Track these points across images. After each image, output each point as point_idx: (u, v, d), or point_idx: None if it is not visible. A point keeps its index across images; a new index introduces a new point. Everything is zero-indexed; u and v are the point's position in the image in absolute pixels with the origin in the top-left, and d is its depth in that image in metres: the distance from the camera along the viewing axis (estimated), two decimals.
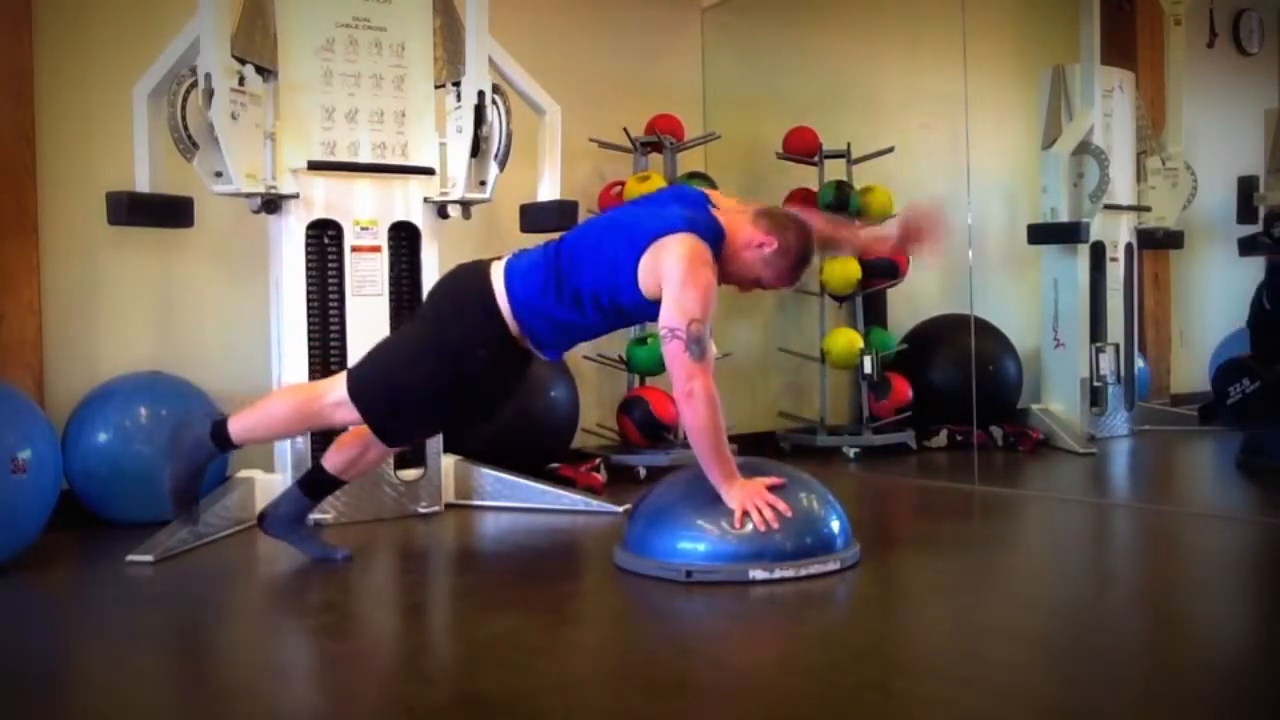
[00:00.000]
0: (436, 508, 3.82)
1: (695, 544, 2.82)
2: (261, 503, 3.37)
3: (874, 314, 5.25)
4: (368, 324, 3.66)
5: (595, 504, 3.84)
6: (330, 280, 3.69)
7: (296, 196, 3.61)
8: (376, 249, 3.73)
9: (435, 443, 3.81)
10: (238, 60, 3.45)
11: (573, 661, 2.38)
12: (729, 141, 5.01)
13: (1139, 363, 5.36)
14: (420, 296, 3.74)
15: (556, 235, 3.04)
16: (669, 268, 2.76)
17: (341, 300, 3.69)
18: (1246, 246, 4.77)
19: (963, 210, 4.98)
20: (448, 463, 3.89)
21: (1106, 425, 5.17)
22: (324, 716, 2.13)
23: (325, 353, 3.67)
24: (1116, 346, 5.14)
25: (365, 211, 3.71)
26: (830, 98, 5.51)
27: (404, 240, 3.81)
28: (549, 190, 4.00)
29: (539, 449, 4.28)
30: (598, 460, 4.39)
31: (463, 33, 3.78)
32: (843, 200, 4.96)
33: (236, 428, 2.98)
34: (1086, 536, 3.69)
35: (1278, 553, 3.31)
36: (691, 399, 2.77)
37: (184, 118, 3.42)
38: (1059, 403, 5.18)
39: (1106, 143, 5.09)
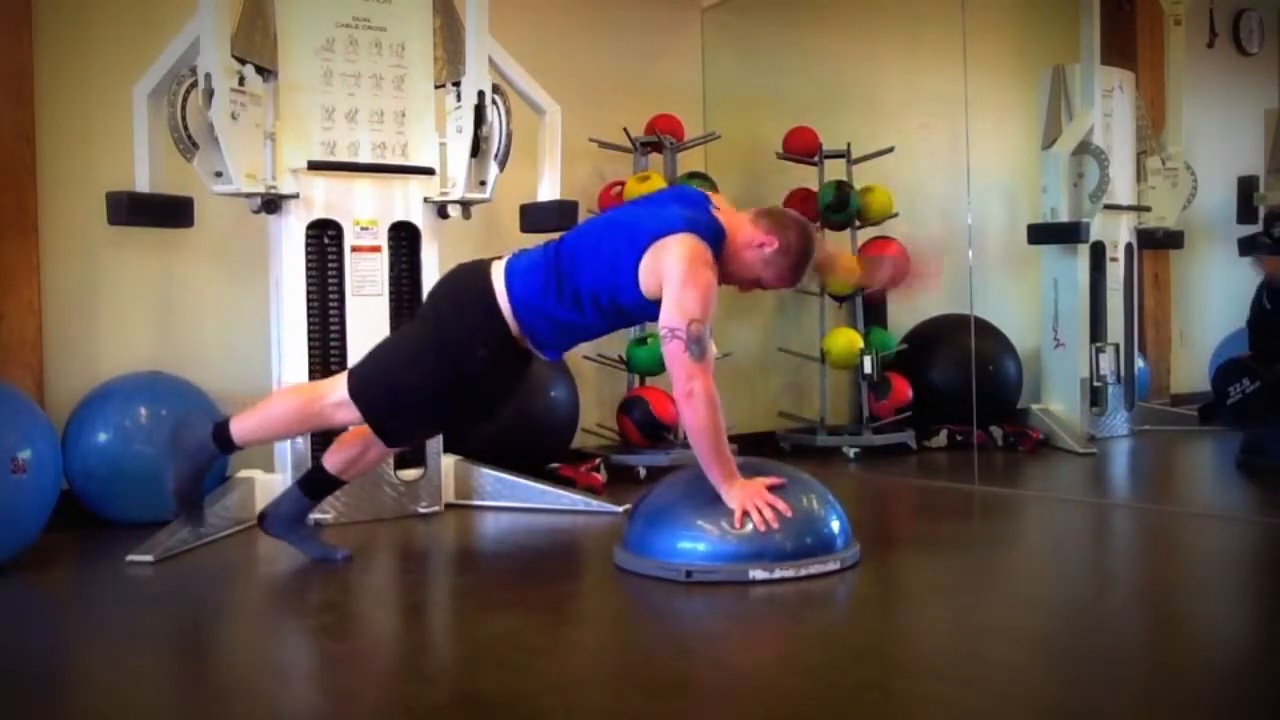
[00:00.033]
0: (436, 508, 3.82)
1: (695, 544, 2.82)
2: (261, 503, 3.37)
3: (874, 314, 5.25)
4: (368, 324, 3.66)
5: (595, 504, 3.84)
6: (330, 280, 3.69)
7: (296, 196, 3.61)
8: (376, 249, 3.73)
9: (435, 443, 3.81)
10: (238, 60, 3.45)
11: (573, 661, 2.38)
12: (729, 141, 5.01)
13: (1139, 363, 5.36)
14: (420, 297, 3.74)
15: (556, 235, 3.04)
16: (669, 268, 2.76)
17: (341, 300, 3.69)
18: (1246, 246, 4.77)
19: (963, 210, 4.99)
20: (448, 463, 3.89)
21: (1106, 425, 5.17)
22: (324, 716, 2.13)
23: (325, 353, 3.67)
24: (1116, 346, 5.14)
25: (365, 211, 3.71)
26: (830, 98, 5.51)
27: (404, 240, 3.81)
28: (549, 190, 4.00)
29: (539, 449, 4.28)
30: (598, 460, 4.39)
31: (463, 33, 3.78)
32: (843, 200, 4.96)
33: (238, 429, 2.99)
34: (1086, 536, 3.69)
35: (1278, 553, 3.31)
36: (691, 399, 2.77)
37: (184, 118, 3.42)
38: (1059, 403, 5.18)
39: (1106, 143, 5.09)
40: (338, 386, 2.96)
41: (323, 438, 3.45)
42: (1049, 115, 5.25)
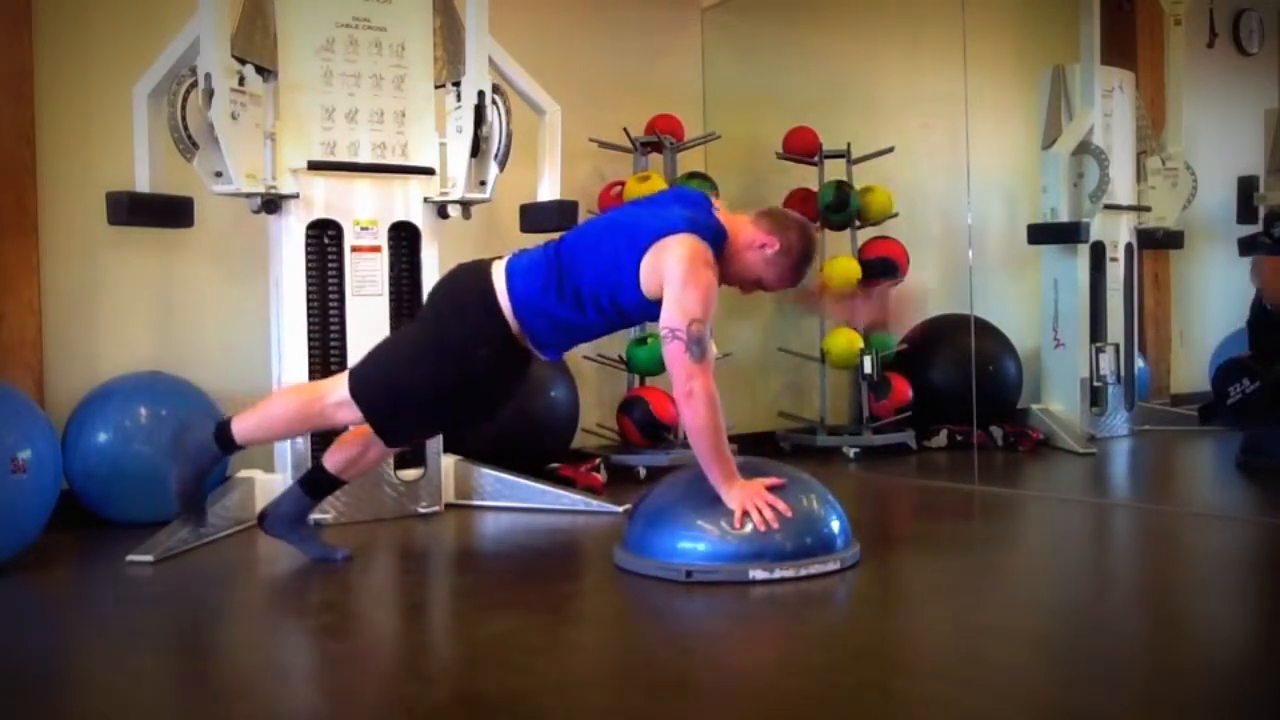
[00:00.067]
0: (436, 508, 3.82)
1: (695, 544, 2.82)
2: (261, 503, 3.37)
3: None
4: (368, 324, 3.66)
5: (595, 504, 3.84)
6: (330, 280, 3.69)
7: (296, 196, 3.61)
8: (376, 249, 3.73)
9: (435, 443, 3.81)
10: (238, 60, 3.45)
11: (573, 661, 2.38)
12: (729, 141, 5.01)
13: (1139, 363, 5.36)
14: (420, 297, 3.74)
15: (557, 235, 3.04)
16: (670, 268, 2.76)
17: (341, 300, 3.69)
18: (1246, 246, 4.77)
19: (963, 210, 4.99)
20: (448, 463, 3.89)
21: (1106, 425, 5.17)
22: (324, 716, 2.13)
23: (325, 353, 3.67)
24: (1116, 346, 5.14)
25: (365, 211, 3.71)
26: (830, 98, 5.51)
27: (404, 240, 3.81)
28: (549, 190, 4.00)
29: (539, 449, 4.28)
30: (598, 460, 4.39)
31: (463, 33, 3.78)
32: (843, 200, 4.96)
33: (239, 429, 2.99)
34: (1086, 536, 3.69)
35: (1278, 553, 3.31)
36: (691, 399, 2.78)
37: (184, 118, 3.42)
38: (1059, 403, 5.18)
39: (1106, 143, 5.09)
40: (338, 386, 2.96)
41: (323, 438, 3.45)
42: (1049, 115, 5.25)
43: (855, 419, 5.22)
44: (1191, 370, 5.30)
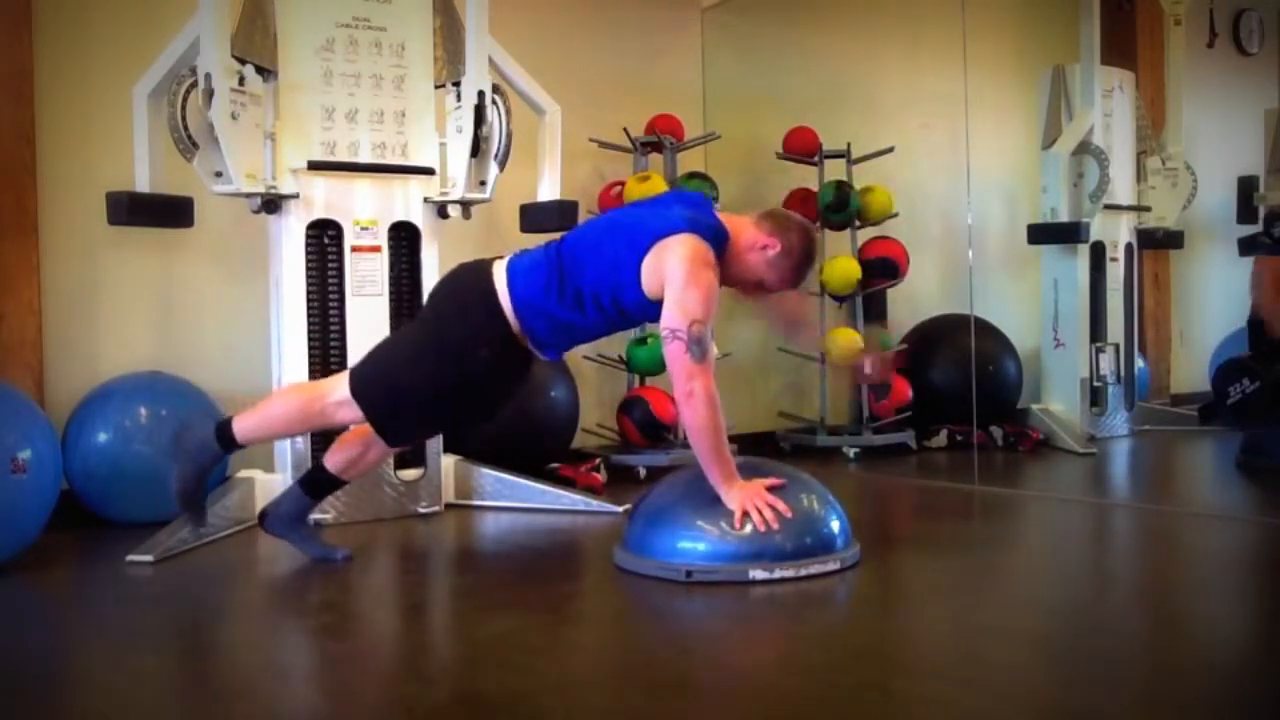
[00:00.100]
0: (436, 508, 3.82)
1: (695, 544, 2.82)
2: (261, 502, 3.37)
3: (874, 314, 5.24)
4: (368, 324, 3.66)
5: (595, 504, 3.84)
6: (330, 280, 3.69)
7: (296, 196, 3.61)
8: (376, 249, 3.73)
9: (435, 443, 3.81)
10: (238, 60, 3.45)
11: (573, 661, 2.38)
12: (729, 141, 5.01)
13: (1139, 363, 5.36)
14: (420, 297, 3.74)
15: (557, 235, 3.04)
16: (671, 268, 2.76)
17: (341, 300, 3.69)
18: (1246, 246, 4.77)
19: (963, 210, 4.99)
20: (448, 463, 3.89)
21: (1106, 425, 5.17)
22: (324, 716, 2.13)
23: (325, 353, 3.67)
24: (1116, 346, 5.14)
25: (365, 211, 3.71)
26: (830, 98, 5.51)
27: (404, 240, 3.81)
28: (549, 190, 4.00)
29: (539, 449, 4.28)
30: (598, 460, 4.39)
31: (463, 33, 3.78)
32: (843, 200, 4.96)
33: (240, 428, 2.99)
34: (1086, 536, 3.69)
35: (1278, 553, 3.31)
36: (692, 399, 2.78)
37: (184, 118, 3.42)
38: (1059, 403, 5.18)
39: (1106, 143, 5.09)
40: (339, 385, 2.96)
41: (323, 437, 3.45)
42: (1049, 115, 5.25)
43: (855, 419, 5.22)
44: (1191, 370, 5.30)
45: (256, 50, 3.53)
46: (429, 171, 3.81)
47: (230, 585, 3.09)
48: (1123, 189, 5.19)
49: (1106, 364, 5.08)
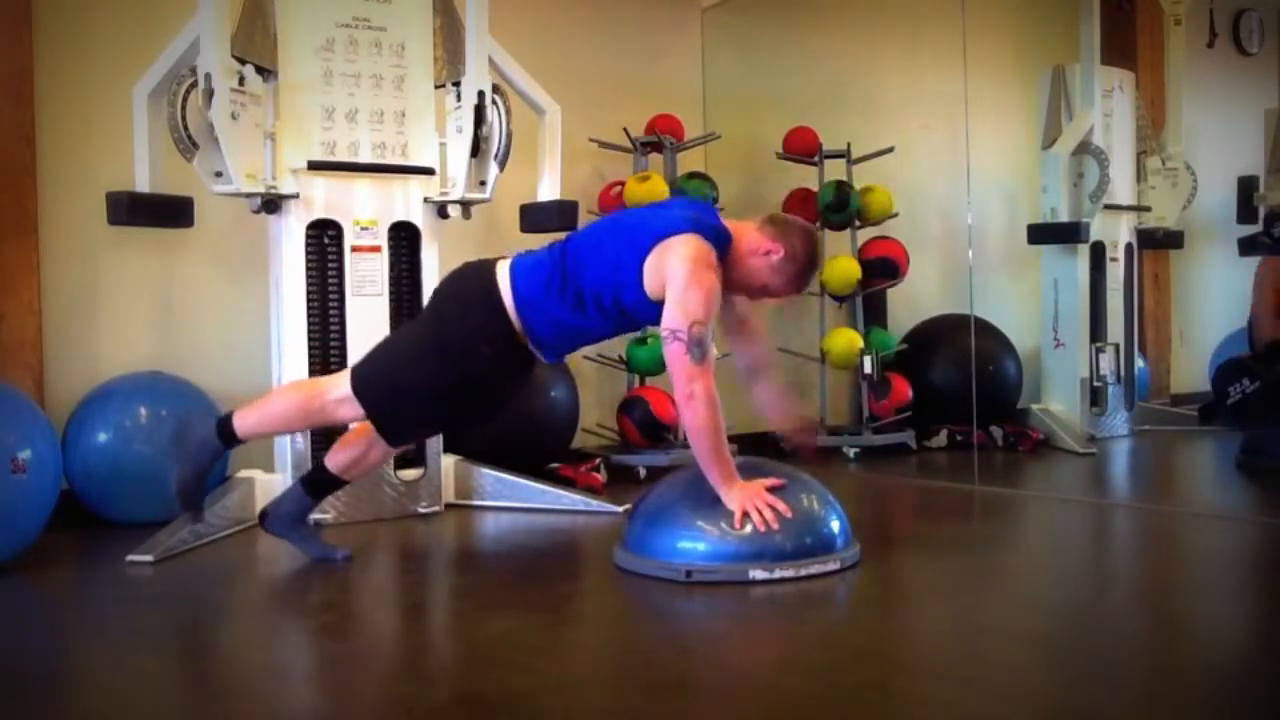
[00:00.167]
0: (436, 508, 3.82)
1: (695, 544, 2.82)
2: (261, 502, 3.37)
3: (874, 314, 5.24)
4: (368, 324, 3.66)
5: (595, 504, 3.84)
6: (330, 280, 3.69)
7: (296, 196, 3.61)
8: (376, 249, 3.73)
9: (435, 443, 3.81)
10: (238, 60, 3.45)
11: (573, 661, 2.38)
12: (729, 141, 5.01)
13: (1139, 363, 5.36)
14: (420, 297, 3.74)
15: (560, 236, 3.04)
16: (673, 268, 2.76)
17: (341, 300, 3.69)
18: (1246, 246, 4.77)
19: (963, 210, 4.99)
20: (448, 463, 3.89)
21: (1106, 425, 5.17)
22: (324, 716, 2.13)
23: (325, 353, 3.67)
24: (1116, 346, 5.14)
25: (365, 211, 3.71)
26: (830, 98, 5.51)
27: (404, 240, 3.81)
28: (549, 190, 4.00)
29: (539, 449, 4.28)
30: (598, 460, 4.39)
31: (463, 33, 3.78)
32: (843, 200, 4.96)
33: (240, 423, 3.00)
34: (1086, 536, 3.69)
35: (1278, 553, 3.31)
36: (692, 400, 2.78)
37: (184, 118, 3.42)
38: (1059, 403, 5.18)
39: (1106, 143, 5.09)
40: (340, 383, 2.97)
41: (323, 437, 3.46)
42: (1049, 115, 5.25)
43: (855, 419, 5.22)
44: (1191, 370, 5.30)
45: (256, 50, 3.53)
46: (429, 171, 3.81)
47: (230, 585, 3.09)
48: (1123, 189, 5.18)
49: (1106, 364, 5.08)
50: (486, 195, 3.83)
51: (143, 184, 3.59)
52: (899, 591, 2.95)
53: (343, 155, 3.67)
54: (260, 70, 3.55)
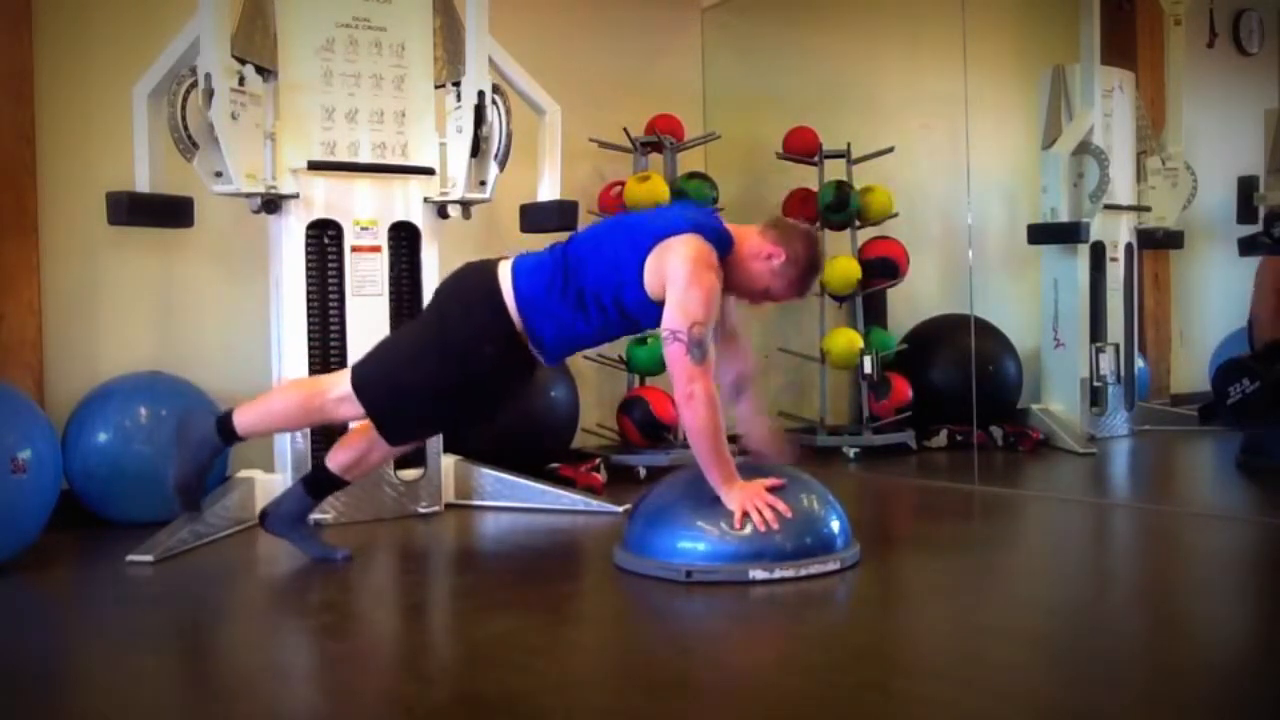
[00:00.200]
0: (436, 508, 3.82)
1: (695, 544, 2.82)
2: (261, 502, 3.37)
3: (874, 314, 5.25)
4: (368, 324, 3.66)
5: (595, 504, 3.84)
6: (330, 280, 3.69)
7: (296, 196, 3.61)
8: (376, 249, 3.73)
9: (435, 443, 3.81)
10: (238, 60, 3.45)
11: (573, 661, 2.38)
12: (729, 141, 5.01)
13: (1139, 363, 5.36)
14: (420, 297, 3.74)
15: (561, 236, 3.05)
16: (673, 269, 2.77)
17: (341, 300, 3.69)
18: (1246, 246, 4.76)
19: (963, 210, 4.99)
20: (448, 463, 3.89)
21: (1106, 425, 5.17)
22: (324, 716, 2.13)
23: (325, 353, 3.67)
24: (1116, 346, 5.14)
25: (365, 211, 3.71)
26: (830, 98, 5.51)
27: (404, 240, 3.81)
28: (549, 190, 4.00)
29: (539, 449, 4.28)
30: (598, 460, 4.39)
31: (463, 33, 3.78)
32: (843, 200, 4.96)
33: (241, 421, 3.00)
34: (1086, 536, 3.69)
35: (1278, 553, 3.31)
36: (692, 401, 2.78)
37: (184, 118, 3.42)
38: (1059, 403, 5.18)
39: (1106, 143, 5.09)
40: (340, 381, 2.98)
41: (324, 437, 3.46)
42: (1049, 115, 5.25)
43: (855, 419, 5.22)
44: (1191, 370, 5.30)
45: (256, 50, 3.53)
46: (429, 171, 3.81)
47: (230, 585, 3.09)
48: (1123, 189, 5.18)
49: (1106, 364, 5.08)
50: (486, 195, 3.83)
51: (143, 184, 3.59)
52: (899, 591, 2.95)
53: (343, 155, 3.67)
54: (260, 70, 3.55)
